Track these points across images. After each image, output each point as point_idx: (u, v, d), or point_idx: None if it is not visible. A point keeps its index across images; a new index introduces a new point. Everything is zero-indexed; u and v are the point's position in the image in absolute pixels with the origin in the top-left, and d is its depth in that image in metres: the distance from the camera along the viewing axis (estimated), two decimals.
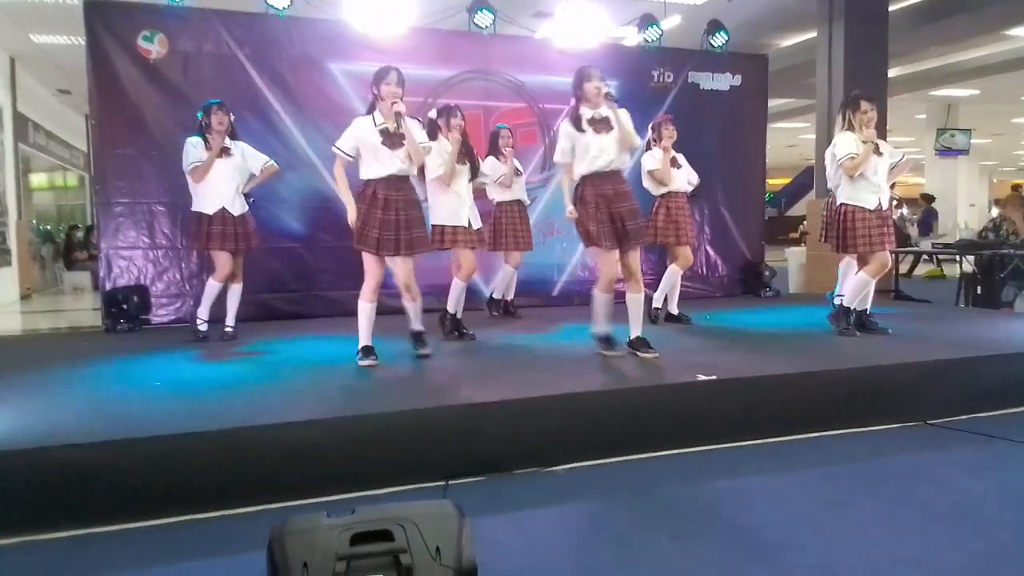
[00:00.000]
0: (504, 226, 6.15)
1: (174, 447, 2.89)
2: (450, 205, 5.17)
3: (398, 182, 4.27)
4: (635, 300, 4.45)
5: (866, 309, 5.33)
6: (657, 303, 5.95)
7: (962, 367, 4.30)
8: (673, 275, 5.92)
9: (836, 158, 5.13)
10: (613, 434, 3.50)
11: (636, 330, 4.46)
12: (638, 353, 4.39)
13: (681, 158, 5.88)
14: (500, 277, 6.49)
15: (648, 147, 5.91)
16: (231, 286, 5.38)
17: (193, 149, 5.17)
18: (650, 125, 5.92)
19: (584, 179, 4.35)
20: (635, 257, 4.41)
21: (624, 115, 4.33)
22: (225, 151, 5.21)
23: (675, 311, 6.01)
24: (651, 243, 5.84)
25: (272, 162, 5.45)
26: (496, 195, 6.17)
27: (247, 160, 5.33)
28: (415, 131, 4.28)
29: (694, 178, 5.99)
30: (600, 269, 4.45)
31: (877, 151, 5.05)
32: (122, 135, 6.20)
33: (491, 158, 6.09)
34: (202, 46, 6.38)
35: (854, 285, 5.27)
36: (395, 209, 4.22)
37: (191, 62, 6.35)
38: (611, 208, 4.27)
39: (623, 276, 4.46)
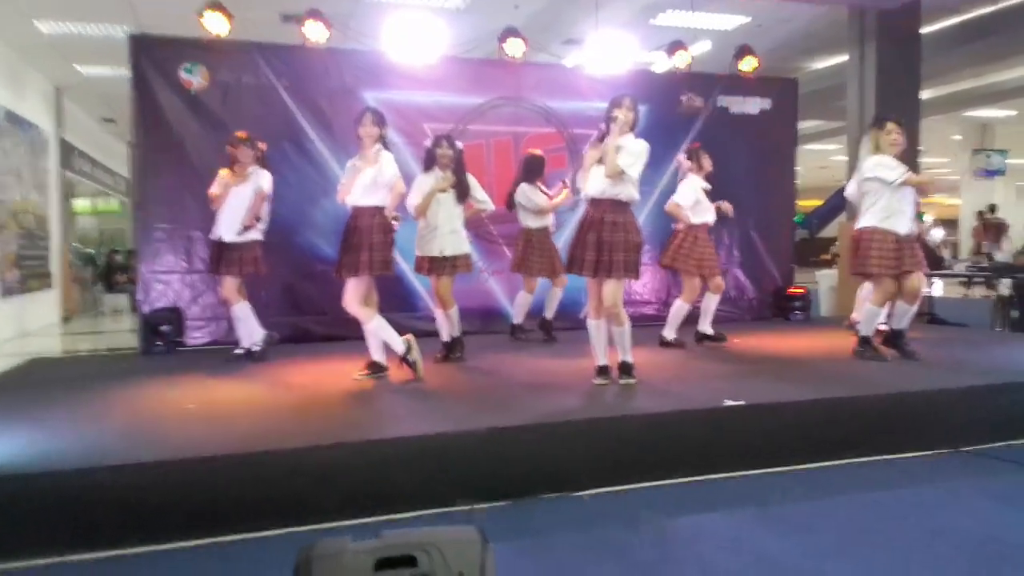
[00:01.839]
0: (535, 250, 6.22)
1: (205, 470, 2.96)
2: (426, 235, 5.28)
3: (357, 211, 4.65)
4: (594, 325, 4.43)
5: (902, 330, 5.26)
6: (704, 328, 6.11)
7: (996, 393, 4.23)
8: (711, 300, 6.06)
9: (887, 181, 5.01)
10: (640, 460, 3.51)
11: (600, 359, 4.45)
12: (594, 381, 4.41)
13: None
14: (518, 301, 6.52)
15: (682, 176, 6.06)
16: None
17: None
18: (684, 153, 6.06)
19: (587, 201, 4.43)
20: (608, 288, 4.27)
21: (628, 143, 4.26)
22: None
23: (709, 331, 6.10)
24: (674, 267, 6.02)
25: (263, 189, 5.49)
26: (530, 222, 6.23)
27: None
28: (385, 166, 4.59)
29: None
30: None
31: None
32: (163, 163, 6.38)
33: (525, 184, 6.17)
34: (242, 78, 6.57)
35: (866, 314, 5.27)
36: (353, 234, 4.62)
37: (231, 93, 6.53)
38: (598, 235, 4.26)
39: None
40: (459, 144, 5.44)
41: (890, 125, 5.05)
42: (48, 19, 8.54)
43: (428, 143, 5.54)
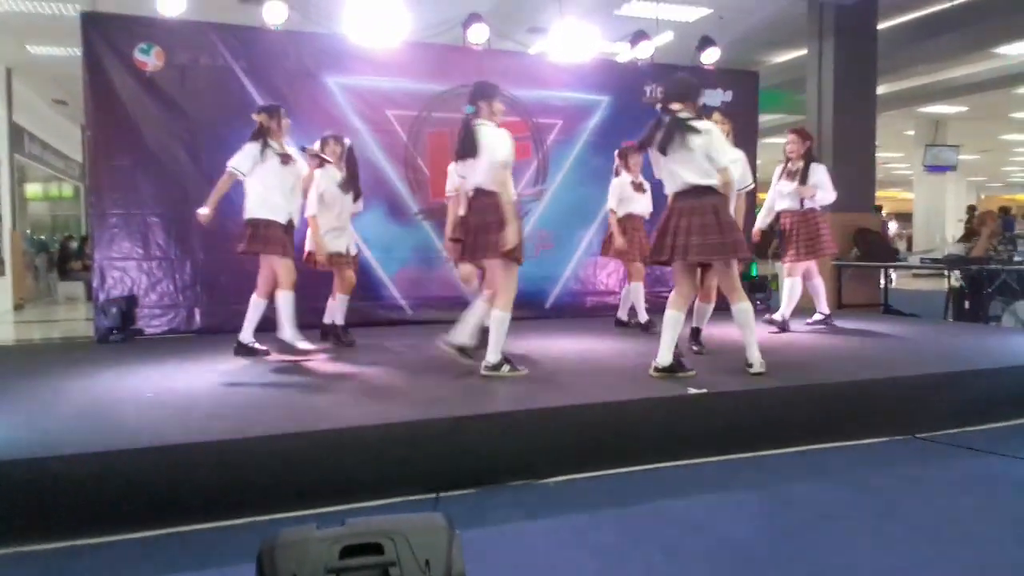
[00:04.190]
0: None
1: (164, 459, 2.89)
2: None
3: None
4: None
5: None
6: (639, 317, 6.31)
7: (951, 381, 4.34)
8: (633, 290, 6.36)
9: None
10: (604, 447, 3.52)
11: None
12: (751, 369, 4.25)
13: (646, 184, 6.13)
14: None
15: (616, 173, 6.22)
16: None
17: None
18: (615, 152, 6.21)
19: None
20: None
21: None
22: (287, 157, 5.02)
23: (643, 319, 6.26)
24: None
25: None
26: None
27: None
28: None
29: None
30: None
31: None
32: (118, 146, 6.21)
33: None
34: (199, 59, 6.42)
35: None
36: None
37: (188, 75, 6.37)
38: (703, 219, 4.24)
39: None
40: (347, 141, 5.48)
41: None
42: None
43: (316, 146, 5.35)
